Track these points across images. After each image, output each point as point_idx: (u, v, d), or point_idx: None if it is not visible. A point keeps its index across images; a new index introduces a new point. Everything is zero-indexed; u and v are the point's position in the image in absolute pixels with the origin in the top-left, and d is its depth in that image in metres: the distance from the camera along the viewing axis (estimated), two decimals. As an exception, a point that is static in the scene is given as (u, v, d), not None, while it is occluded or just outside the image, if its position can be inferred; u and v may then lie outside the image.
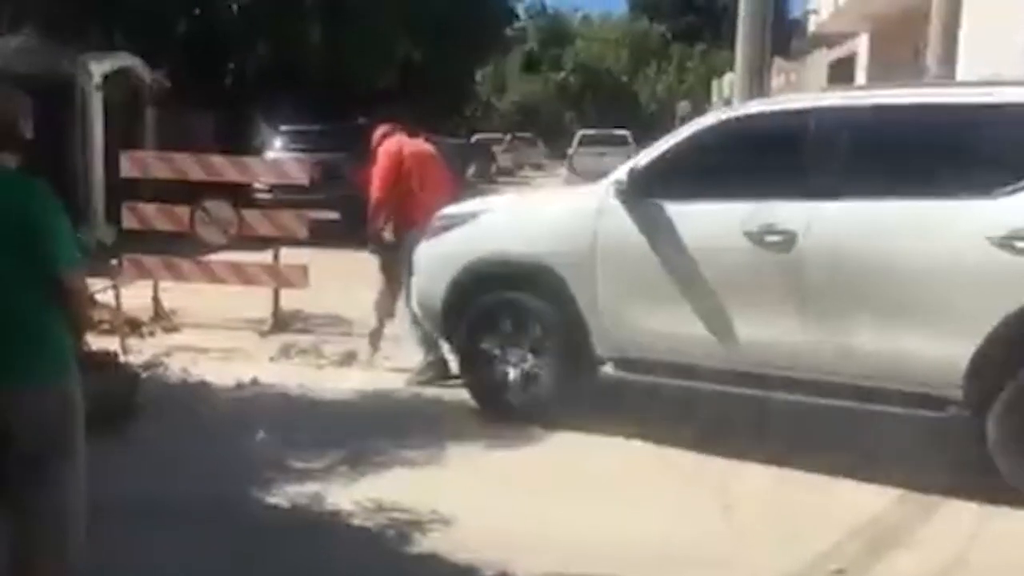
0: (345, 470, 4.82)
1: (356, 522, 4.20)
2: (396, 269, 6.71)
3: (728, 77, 34.05)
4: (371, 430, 5.46)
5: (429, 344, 6.60)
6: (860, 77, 18.19)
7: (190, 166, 7.87)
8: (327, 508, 4.34)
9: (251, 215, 8.20)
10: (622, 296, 5.33)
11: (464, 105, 30.95)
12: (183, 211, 8.24)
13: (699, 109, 38.39)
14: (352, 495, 4.46)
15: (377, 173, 6.85)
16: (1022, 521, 4.24)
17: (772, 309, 4.89)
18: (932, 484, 4.53)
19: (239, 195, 8.96)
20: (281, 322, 8.29)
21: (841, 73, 20.23)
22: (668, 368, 5.25)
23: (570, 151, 27.77)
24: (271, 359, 7.22)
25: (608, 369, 5.58)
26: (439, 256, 5.99)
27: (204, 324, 8.27)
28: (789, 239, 4.82)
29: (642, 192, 5.21)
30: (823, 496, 4.54)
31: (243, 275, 8.22)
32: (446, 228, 6.01)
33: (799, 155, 4.90)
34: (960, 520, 4.26)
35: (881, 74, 17.26)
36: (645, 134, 33.51)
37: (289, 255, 8.47)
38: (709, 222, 5.11)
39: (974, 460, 4.46)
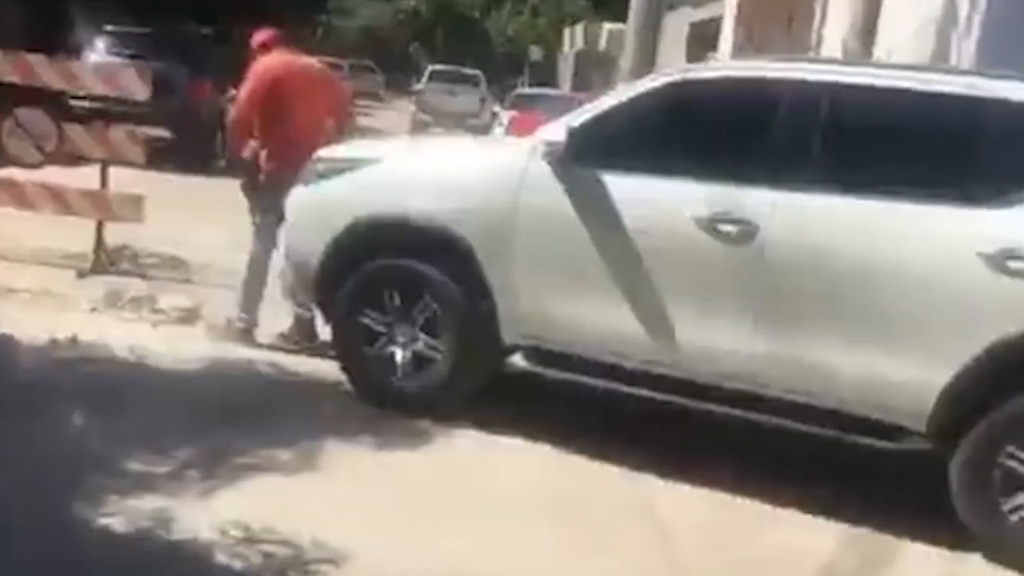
0: (198, 476, 3.83)
1: (221, 559, 3.24)
2: (269, 217, 5.63)
3: (580, 27, 33.61)
4: (227, 417, 4.46)
5: (299, 301, 5.62)
6: (725, 41, 17.91)
7: (3, 65, 6.44)
8: (179, 535, 3.36)
9: (75, 131, 6.86)
10: (542, 276, 4.53)
11: (307, 23, 29.06)
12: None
13: (550, 57, 37.93)
14: (211, 515, 3.49)
15: (241, 91, 5.73)
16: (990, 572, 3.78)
17: (719, 310, 4.22)
18: (894, 523, 4.01)
19: (58, 106, 7.54)
20: (104, 261, 7.04)
21: (703, 34, 19.94)
22: (589, 365, 4.51)
23: (418, 86, 26.56)
24: (93, 308, 6.03)
25: (516, 359, 4.79)
26: (317, 208, 5.00)
27: (8, 256, 6.91)
28: (748, 231, 4.14)
29: (578, 158, 4.39)
30: (773, 531, 3.94)
31: (61, 202, 6.90)
32: (326, 174, 5.01)
33: (769, 134, 4.20)
34: (927, 567, 3.76)
35: (747, 40, 17.02)
36: (495, 75, 32.70)
37: (116, 178, 7.17)
38: (652, 201, 4.36)
39: (940, 499, 3.96)
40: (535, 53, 34.80)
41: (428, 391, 4.76)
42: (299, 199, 5.10)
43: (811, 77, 4.29)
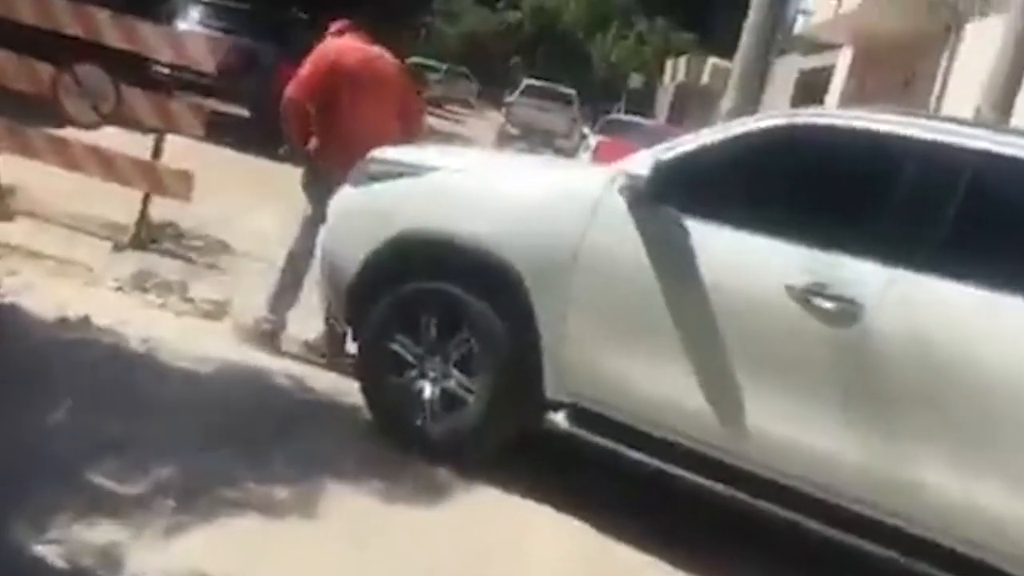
0: (169, 506, 3.29)
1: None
2: (316, 213, 5.11)
3: (683, 59, 32.86)
4: (225, 434, 3.94)
5: (333, 312, 5.11)
6: (834, 92, 17.11)
7: (64, 15, 6.07)
8: (122, 581, 2.82)
9: (133, 95, 6.46)
10: (599, 324, 3.93)
11: (413, 23, 28.89)
12: (45, 71, 6.44)
13: (650, 85, 37.21)
14: (170, 560, 2.96)
15: (303, 66, 5.23)
16: None
17: (803, 398, 3.56)
18: None
19: (128, 68, 7.17)
20: (145, 237, 6.61)
21: (812, 83, 19.14)
22: (639, 437, 3.89)
23: (509, 98, 26.09)
24: (118, 287, 5.59)
25: (558, 418, 4.18)
26: (360, 213, 4.46)
27: (47, 217, 6.54)
28: (849, 311, 3.49)
29: (661, 196, 3.78)
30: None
31: (109, 168, 6.49)
32: (375, 177, 4.47)
33: (891, 198, 3.54)
34: None
35: (858, 93, 16.20)
36: (591, 98, 32.15)
37: (176, 151, 6.76)
38: (739, 258, 3.73)
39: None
40: (635, 80, 34.14)
41: (455, 437, 4.18)
42: (343, 201, 4.57)
43: (956, 140, 3.60)
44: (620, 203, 3.90)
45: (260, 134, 12.41)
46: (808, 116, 4.12)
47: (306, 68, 5.17)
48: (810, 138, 3.81)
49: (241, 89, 11.92)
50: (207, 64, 6.41)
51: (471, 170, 4.33)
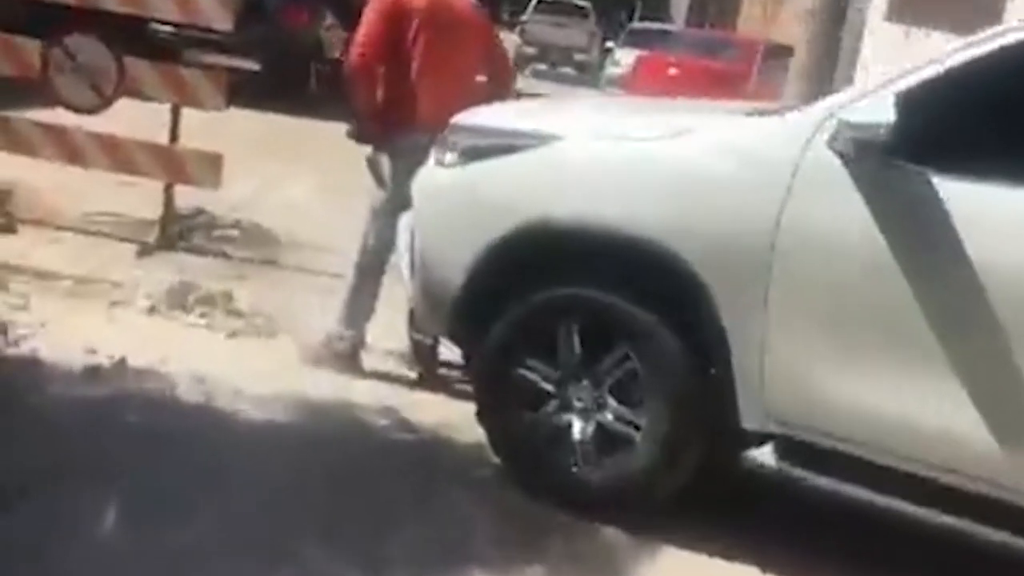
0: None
1: None
2: (389, 197, 4.07)
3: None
4: (339, 514, 2.99)
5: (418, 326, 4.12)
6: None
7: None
8: None
9: (139, 67, 5.35)
10: (819, 330, 2.91)
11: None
12: (31, 48, 5.34)
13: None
14: None
15: (361, 23, 4.14)
16: None
17: None
18: None
19: (126, 33, 6.05)
20: (173, 235, 5.59)
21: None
22: (879, 475, 2.89)
23: (523, 17, 24.62)
24: (151, 306, 4.58)
25: (762, 455, 3.17)
26: (460, 202, 3.41)
27: (55, 223, 5.52)
28: None
29: (903, 150, 2.72)
30: None
31: (119, 156, 5.42)
32: (472, 152, 3.41)
33: None
34: None
35: None
36: (603, 7, 30.53)
37: (189, 123, 5.66)
38: None
39: None
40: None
41: (620, 485, 3.20)
42: (433, 184, 3.52)
43: None
44: (833, 164, 2.83)
45: (273, 88, 11.37)
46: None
47: (366, 19, 4.07)
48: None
49: (247, 40, 10.75)
50: (223, 21, 5.32)
51: (604, 133, 3.23)
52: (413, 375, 4.24)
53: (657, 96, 11.25)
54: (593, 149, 3.19)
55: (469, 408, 3.74)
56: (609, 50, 19.67)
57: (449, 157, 3.49)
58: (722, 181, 2.99)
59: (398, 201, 3.92)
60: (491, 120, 3.52)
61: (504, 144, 3.29)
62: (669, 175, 3.06)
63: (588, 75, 20.81)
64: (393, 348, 4.35)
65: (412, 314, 4.15)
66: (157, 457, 3.21)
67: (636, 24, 21.45)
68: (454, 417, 3.85)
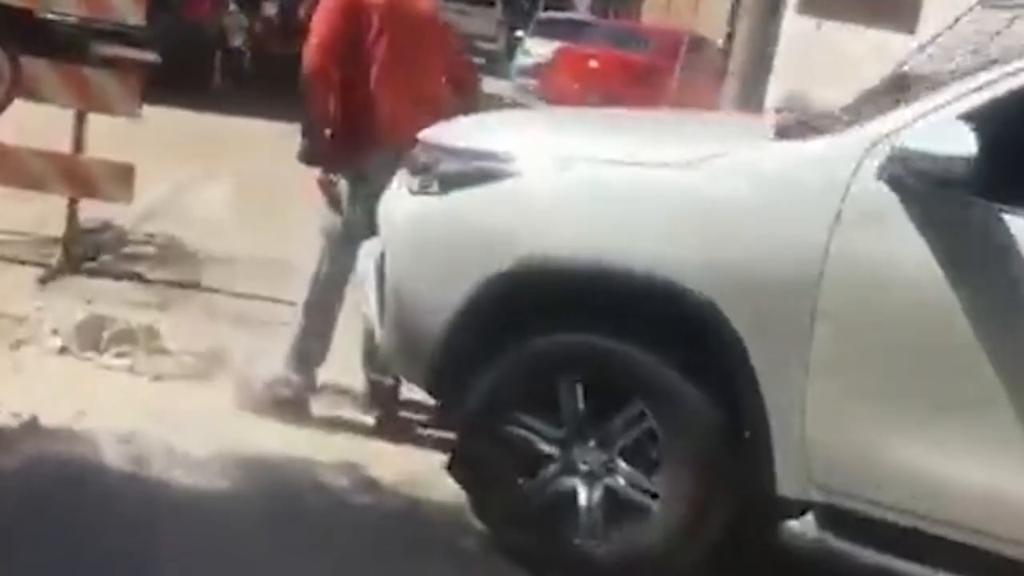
0: None
1: None
2: (344, 222, 3.55)
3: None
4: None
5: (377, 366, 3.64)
6: None
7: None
8: None
9: (37, 67, 4.69)
10: (871, 386, 2.54)
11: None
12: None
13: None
14: None
15: (314, 23, 3.61)
16: None
17: None
18: None
19: (17, 25, 5.35)
20: (77, 254, 4.94)
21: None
22: (940, 550, 2.55)
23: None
24: (61, 348, 3.96)
25: (800, 525, 2.79)
26: (443, 236, 2.92)
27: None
28: None
29: (973, 185, 2.36)
30: None
31: (12, 168, 4.77)
32: (459, 180, 2.91)
33: None
34: None
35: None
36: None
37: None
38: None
39: None
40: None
41: (630, 560, 2.78)
42: (408, 214, 3.03)
43: None
44: (888, 196, 2.47)
45: (173, 80, 10.60)
46: None
47: (319, 18, 3.53)
48: None
49: (149, 31, 9.97)
50: (134, 15, 4.71)
51: (623, 159, 2.78)
52: (370, 420, 3.75)
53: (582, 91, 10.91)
54: (604, 176, 2.74)
55: (437, 459, 3.32)
56: (519, 39, 19.27)
57: (422, 182, 3.01)
58: (757, 216, 2.59)
59: (357, 229, 3.43)
60: (473, 138, 3.04)
61: (495, 169, 2.83)
62: (695, 207, 2.64)
63: (497, 65, 20.32)
64: (343, 385, 3.86)
65: (368, 351, 3.69)
66: (80, 545, 2.66)
67: (545, 13, 21.03)
68: (422, 471, 3.39)
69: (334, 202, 3.50)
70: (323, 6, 3.54)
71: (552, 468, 2.86)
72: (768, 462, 2.63)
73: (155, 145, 6.77)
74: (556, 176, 2.77)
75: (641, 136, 2.98)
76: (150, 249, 5.39)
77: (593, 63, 12.52)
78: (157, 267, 5.17)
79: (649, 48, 13.07)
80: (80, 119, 4.79)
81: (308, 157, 3.57)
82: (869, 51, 11.77)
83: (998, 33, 2.88)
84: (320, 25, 3.50)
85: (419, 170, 3.05)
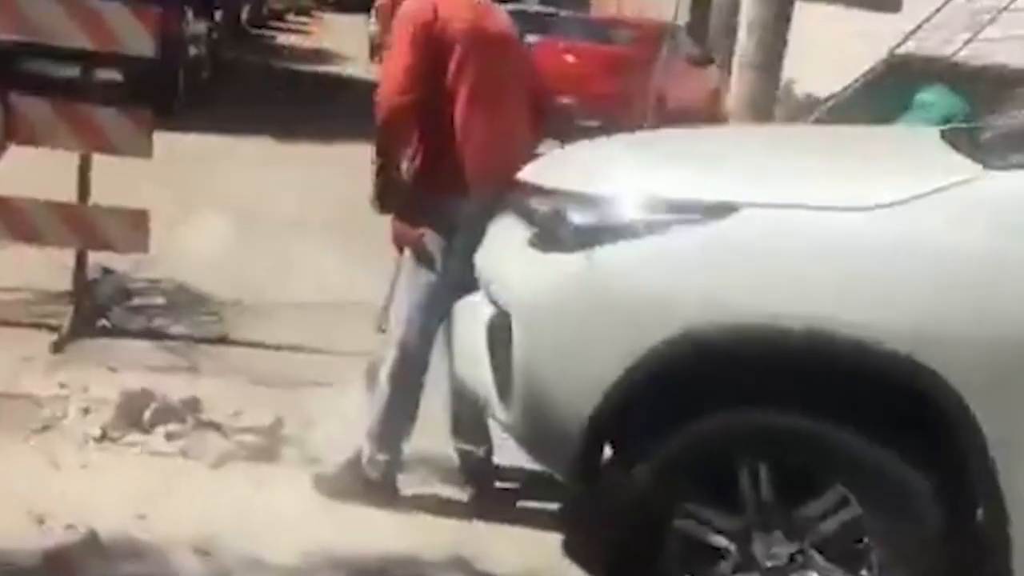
0: None
1: None
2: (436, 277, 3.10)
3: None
4: None
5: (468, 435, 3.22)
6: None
7: None
8: None
9: (34, 108, 4.14)
10: None
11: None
12: None
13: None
14: None
15: (389, 57, 3.14)
16: None
17: None
18: None
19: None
20: (89, 313, 4.41)
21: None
22: None
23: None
24: (102, 434, 3.44)
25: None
26: (589, 307, 2.46)
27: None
28: None
29: None
30: None
31: (12, 220, 4.23)
32: (601, 234, 2.47)
33: None
34: None
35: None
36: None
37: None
38: None
39: None
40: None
41: None
42: (540, 278, 2.57)
43: None
44: None
45: (137, 99, 9.94)
46: None
47: (396, 48, 3.05)
48: None
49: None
50: (142, 46, 4.19)
51: (808, 202, 2.35)
52: (464, 496, 3.32)
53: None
54: (789, 226, 2.33)
55: (551, 541, 2.93)
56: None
57: (546, 236, 2.57)
58: (979, 263, 2.20)
59: (452, 288, 2.97)
60: (608, 180, 2.60)
61: (652, 220, 2.40)
62: (906, 257, 2.25)
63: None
64: (428, 454, 3.41)
65: (456, 418, 3.27)
66: None
67: (516, 6, 20.43)
68: (535, 557, 2.98)
69: (426, 258, 3.03)
70: (397, 36, 3.07)
71: (727, 563, 2.46)
72: (1004, 556, 2.25)
73: (124, 170, 6.19)
74: (726, 226, 2.34)
75: (812, 172, 2.56)
76: (159, 299, 4.86)
77: (569, 57, 12.05)
78: (173, 320, 4.65)
79: (623, 39, 12.65)
80: (85, 163, 4.26)
81: (383, 205, 3.12)
82: (853, 34, 11.55)
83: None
84: (397, 57, 3.03)
85: (540, 220, 2.62)
